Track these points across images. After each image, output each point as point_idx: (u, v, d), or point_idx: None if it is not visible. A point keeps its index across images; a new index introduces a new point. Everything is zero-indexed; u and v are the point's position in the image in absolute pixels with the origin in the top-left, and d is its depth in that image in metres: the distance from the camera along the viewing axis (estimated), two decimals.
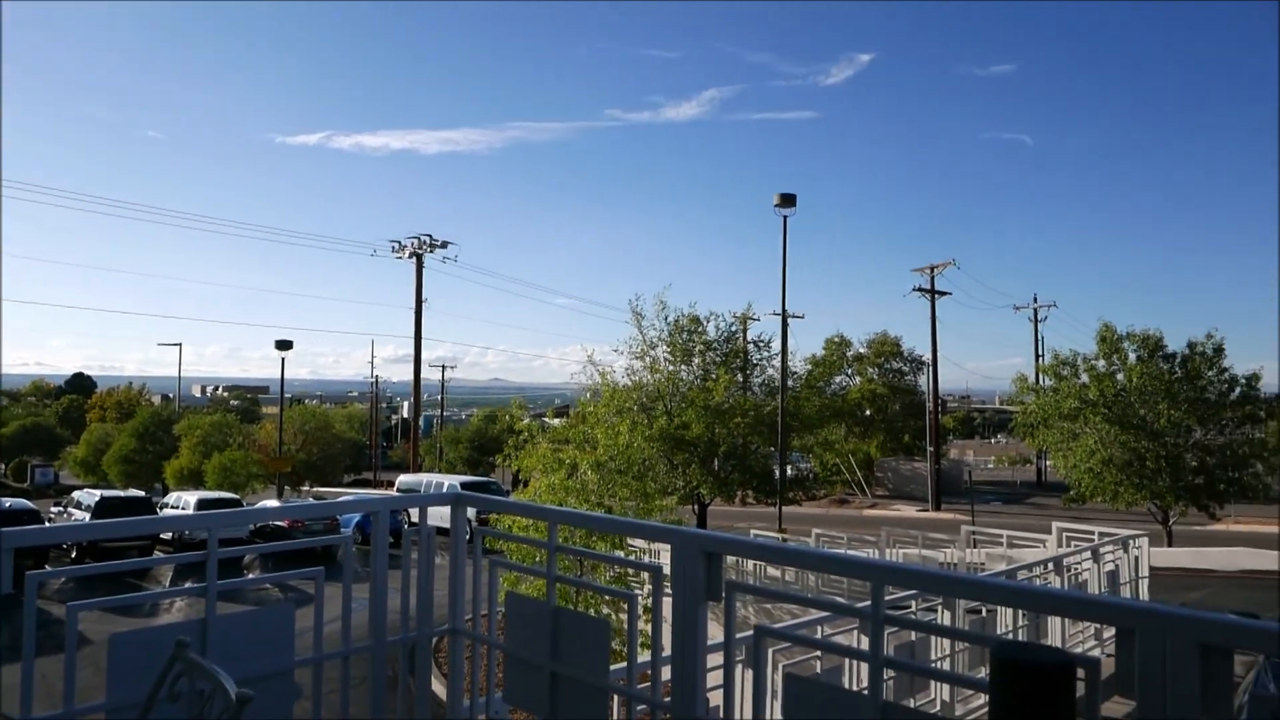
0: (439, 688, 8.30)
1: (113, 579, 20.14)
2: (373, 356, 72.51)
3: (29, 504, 27.10)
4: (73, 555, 23.96)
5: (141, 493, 33.36)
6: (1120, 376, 25.30)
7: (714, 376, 26.61)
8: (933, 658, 7.37)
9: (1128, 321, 49.37)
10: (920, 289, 40.97)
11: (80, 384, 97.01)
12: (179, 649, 2.17)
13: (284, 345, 42.49)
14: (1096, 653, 8.75)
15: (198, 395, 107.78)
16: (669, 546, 2.54)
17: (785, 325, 30.28)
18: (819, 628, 5.15)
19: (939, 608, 7.32)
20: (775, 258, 28.40)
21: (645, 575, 15.99)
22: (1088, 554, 10.41)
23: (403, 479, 35.92)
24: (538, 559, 12.24)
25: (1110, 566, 10.86)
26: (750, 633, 2.54)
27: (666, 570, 2.61)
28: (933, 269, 40.91)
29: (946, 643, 7.27)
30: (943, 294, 41.02)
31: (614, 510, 14.49)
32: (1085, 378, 25.92)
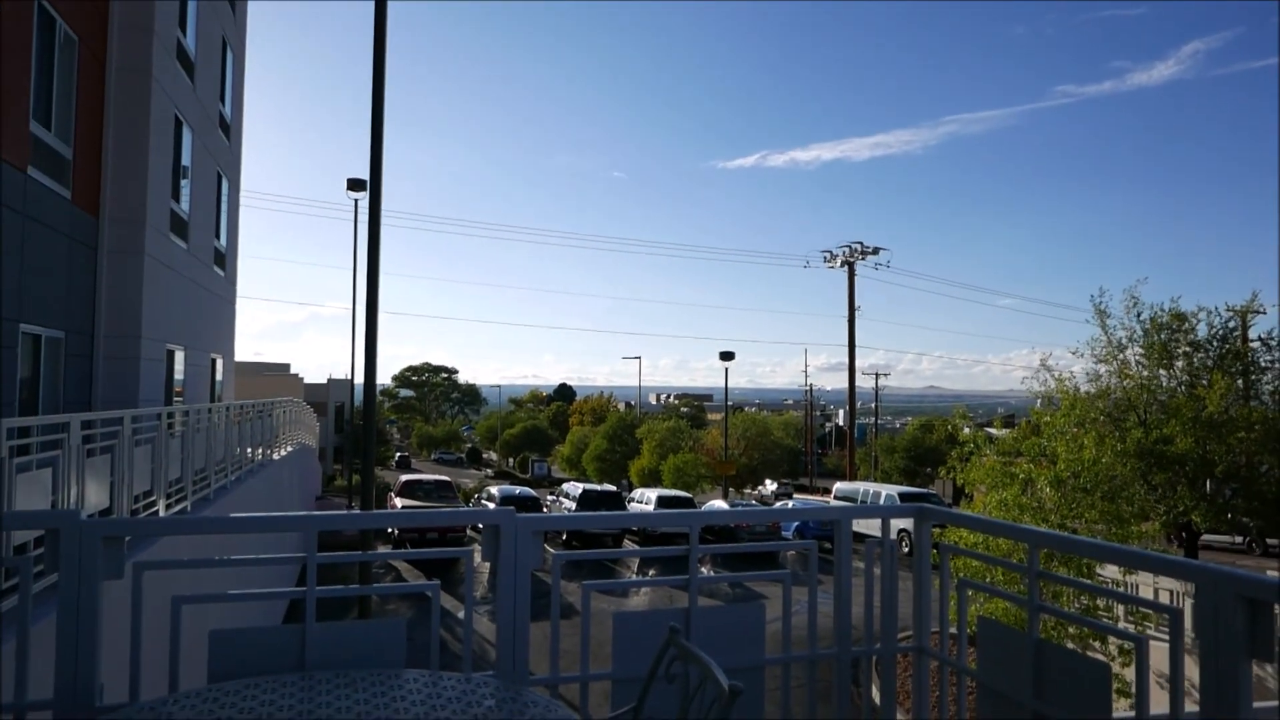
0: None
1: (594, 562, 23.33)
2: (806, 365, 75.02)
3: (532, 492, 32.81)
4: (563, 538, 28.31)
5: (613, 487, 38.40)
6: None
7: (1205, 382, 22.42)
8: None
9: None
10: None
11: (564, 393, 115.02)
12: (672, 634, 2.35)
13: (727, 356, 45.44)
14: None
15: (653, 403, 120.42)
16: (1177, 586, 2.14)
17: None
18: None
19: None
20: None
21: (1120, 610, 13.95)
22: None
23: (840, 487, 36.20)
24: (988, 579, 11.35)
25: None
26: None
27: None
28: None
29: None
30: None
31: (1078, 533, 12.91)
32: None
